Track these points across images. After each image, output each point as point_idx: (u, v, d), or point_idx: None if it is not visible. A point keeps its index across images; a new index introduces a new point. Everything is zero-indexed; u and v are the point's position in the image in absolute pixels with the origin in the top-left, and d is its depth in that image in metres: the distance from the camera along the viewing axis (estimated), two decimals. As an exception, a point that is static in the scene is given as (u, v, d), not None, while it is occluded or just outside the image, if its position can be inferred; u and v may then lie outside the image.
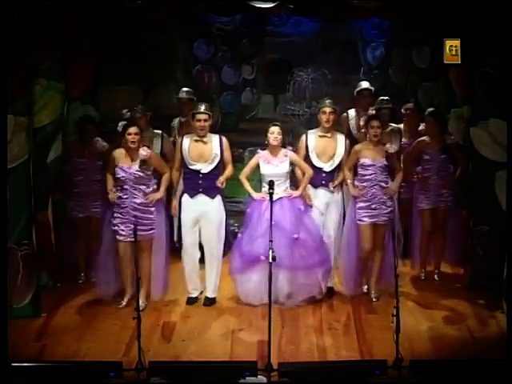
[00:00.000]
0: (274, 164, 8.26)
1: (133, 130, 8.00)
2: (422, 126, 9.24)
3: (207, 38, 10.52)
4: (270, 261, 6.88)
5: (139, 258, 7.54)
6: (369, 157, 8.25)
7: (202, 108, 8.15)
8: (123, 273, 8.15)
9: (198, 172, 8.16)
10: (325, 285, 8.37)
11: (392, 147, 8.39)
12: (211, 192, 8.17)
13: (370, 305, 8.23)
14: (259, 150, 8.40)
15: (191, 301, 8.35)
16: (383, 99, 9.30)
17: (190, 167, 8.18)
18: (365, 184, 8.28)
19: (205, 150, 8.18)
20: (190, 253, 8.29)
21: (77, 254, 9.01)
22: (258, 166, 8.34)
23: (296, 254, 8.15)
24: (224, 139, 8.26)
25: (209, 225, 8.22)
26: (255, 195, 8.34)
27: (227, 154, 8.25)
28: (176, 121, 9.61)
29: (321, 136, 8.42)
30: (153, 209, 8.10)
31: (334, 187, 8.41)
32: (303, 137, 8.50)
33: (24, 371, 6.55)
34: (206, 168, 8.16)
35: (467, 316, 7.94)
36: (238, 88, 10.72)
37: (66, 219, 8.91)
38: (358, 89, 9.54)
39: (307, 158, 8.39)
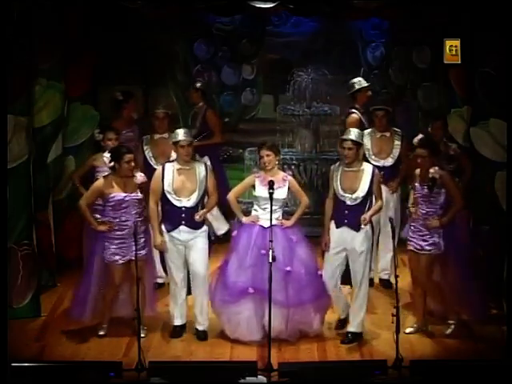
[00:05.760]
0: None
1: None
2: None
3: (207, 38, 10.53)
4: (270, 261, 6.88)
5: None
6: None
7: None
8: None
9: None
10: (320, 321, 7.56)
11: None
12: None
13: (369, 304, 8.22)
14: (256, 170, 8.03)
15: None
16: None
17: None
18: None
19: None
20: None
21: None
22: (252, 187, 7.53)
23: (289, 289, 7.34)
24: None
25: None
26: (245, 219, 7.51)
27: None
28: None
29: (346, 171, 7.43)
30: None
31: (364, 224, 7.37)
32: (331, 171, 7.55)
33: (24, 371, 6.55)
34: None
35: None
36: (238, 88, 10.72)
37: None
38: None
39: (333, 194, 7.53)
